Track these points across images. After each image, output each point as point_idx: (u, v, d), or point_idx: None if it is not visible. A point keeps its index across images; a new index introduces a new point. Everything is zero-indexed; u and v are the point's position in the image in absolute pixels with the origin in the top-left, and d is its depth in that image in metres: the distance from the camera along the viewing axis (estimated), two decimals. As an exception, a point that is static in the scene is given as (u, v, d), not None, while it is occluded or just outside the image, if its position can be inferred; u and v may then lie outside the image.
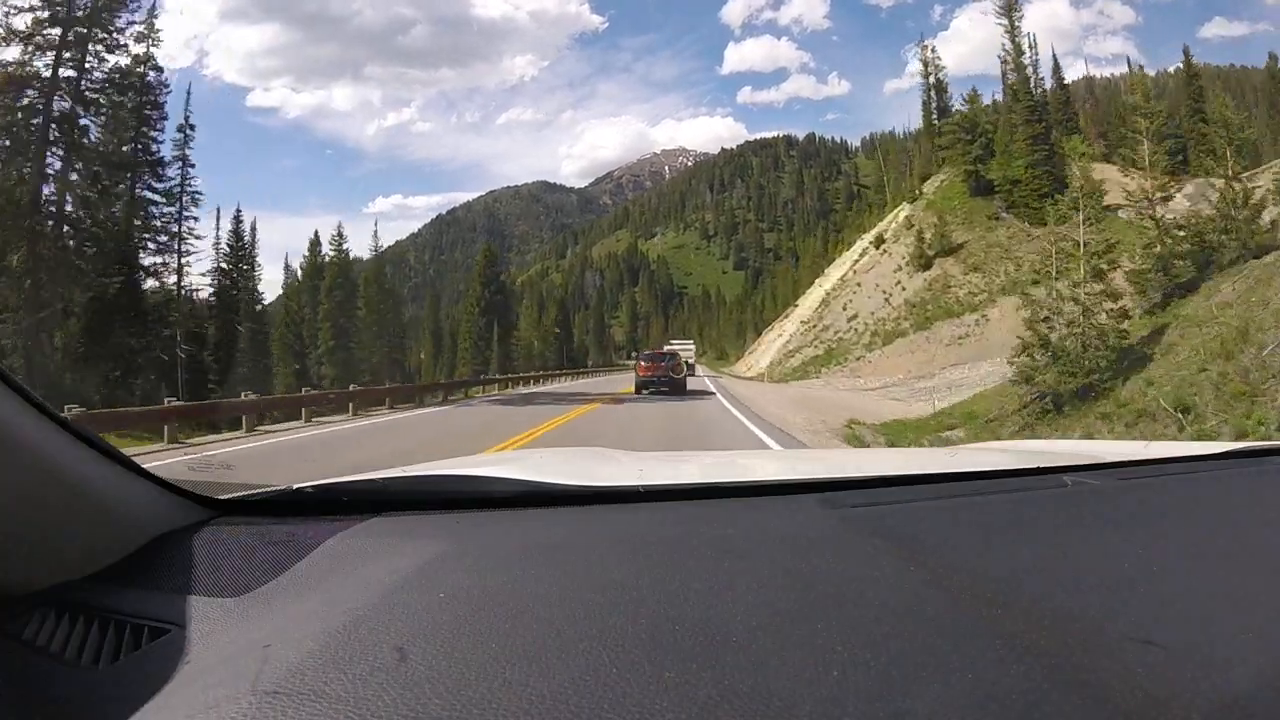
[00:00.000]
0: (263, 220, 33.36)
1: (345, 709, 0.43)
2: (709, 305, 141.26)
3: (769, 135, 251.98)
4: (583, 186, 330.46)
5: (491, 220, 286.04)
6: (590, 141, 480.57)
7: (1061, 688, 0.44)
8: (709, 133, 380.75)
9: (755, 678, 0.45)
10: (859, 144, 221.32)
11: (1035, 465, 1.07)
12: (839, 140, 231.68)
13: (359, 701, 0.43)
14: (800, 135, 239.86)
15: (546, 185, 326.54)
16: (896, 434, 10.50)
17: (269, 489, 0.87)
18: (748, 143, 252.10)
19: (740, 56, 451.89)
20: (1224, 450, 1.18)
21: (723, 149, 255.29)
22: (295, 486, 0.86)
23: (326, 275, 33.20)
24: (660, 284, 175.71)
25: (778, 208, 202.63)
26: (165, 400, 10.90)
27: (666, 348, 26.06)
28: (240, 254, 27.44)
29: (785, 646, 0.48)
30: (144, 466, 0.75)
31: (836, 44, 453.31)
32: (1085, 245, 10.56)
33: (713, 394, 18.20)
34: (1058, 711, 0.42)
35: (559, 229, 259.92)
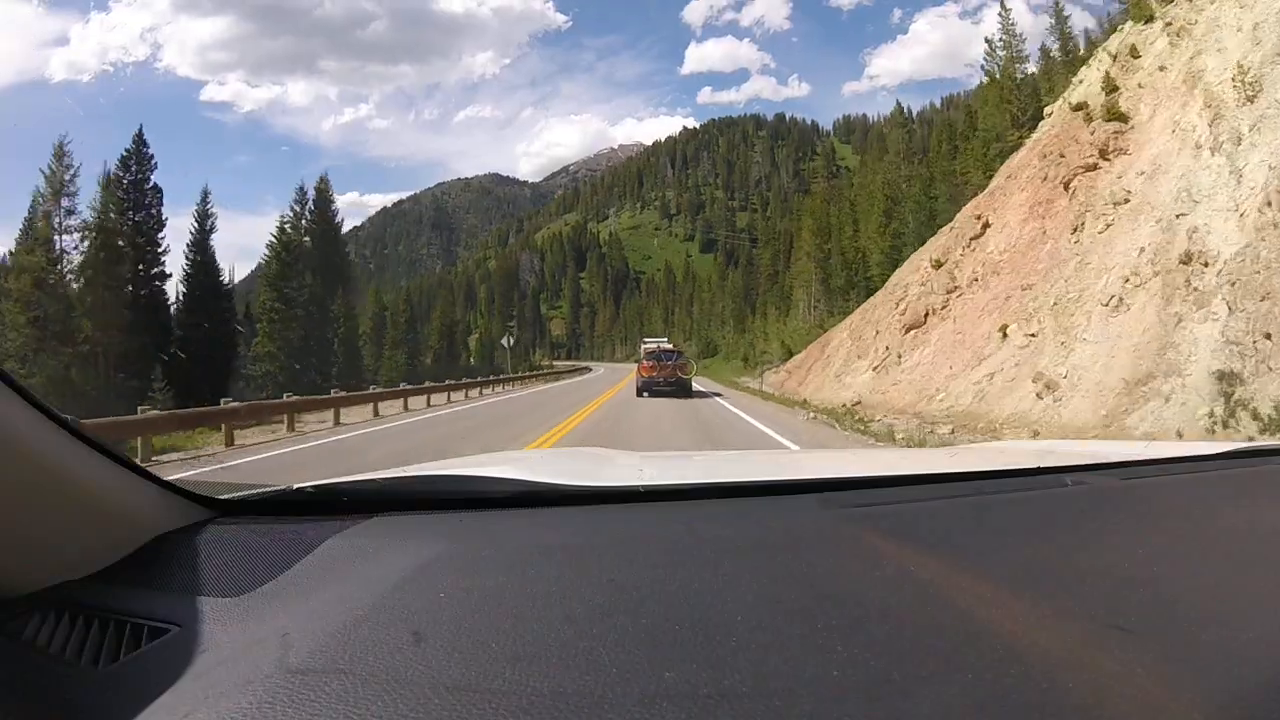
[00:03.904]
0: (217, 218, 29.99)
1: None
2: (674, 287, 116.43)
3: (735, 115, 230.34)
4: (537, 182, 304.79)
5: (439, 214, 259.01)
6: (548, 139, 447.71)
7: (1061, 688, 0.43)
8: (668, 131, 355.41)
9: (755, 677, 0.45)
10: (830, 129, 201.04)
11: (1035, 465, 1.07)
12: (811, 121, 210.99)
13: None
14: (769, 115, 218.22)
15: (498, 178, 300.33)
16: None
17: (269, 489, 0.87)
18: (713, 121, 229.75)
19: (701, 56, 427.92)
20: (1224, 450, 1.18)
21: (684, 127, 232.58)
22: (295, 486, 0.86)
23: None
24: (613, 267, 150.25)
25: (749, 186, 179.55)
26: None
27: (644, 347, 23.06)
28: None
29: (785, 646, 0.48)
30: (144, 467, 0.74)
31: (797, 46, 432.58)
32: None
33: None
34: (1057, 712, 0.41)
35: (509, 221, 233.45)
